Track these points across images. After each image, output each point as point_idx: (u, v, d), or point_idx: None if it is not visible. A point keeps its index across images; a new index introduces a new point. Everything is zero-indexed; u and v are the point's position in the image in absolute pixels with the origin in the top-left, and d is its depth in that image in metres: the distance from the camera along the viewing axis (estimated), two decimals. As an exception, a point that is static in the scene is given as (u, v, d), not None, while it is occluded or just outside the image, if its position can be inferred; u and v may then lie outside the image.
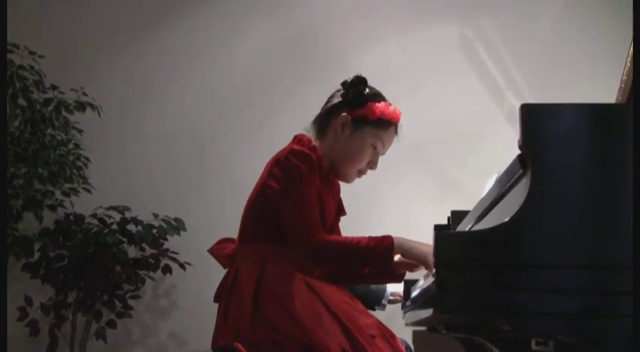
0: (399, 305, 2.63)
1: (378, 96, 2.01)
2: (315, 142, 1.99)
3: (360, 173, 2.05)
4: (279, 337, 1.76)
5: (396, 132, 2.03)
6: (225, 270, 2.00)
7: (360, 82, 2.01)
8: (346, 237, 1.87)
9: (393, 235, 1.85)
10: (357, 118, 1.98)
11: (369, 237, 1.83)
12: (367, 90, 2.01)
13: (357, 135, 1.98)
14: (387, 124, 1.99)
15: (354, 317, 1.82)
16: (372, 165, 2.04)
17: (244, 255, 1.93)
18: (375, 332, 1.81)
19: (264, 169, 1.96)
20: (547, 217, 1.36)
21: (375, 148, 2.01)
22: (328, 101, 2.06)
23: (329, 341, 1.74)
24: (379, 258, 1.82)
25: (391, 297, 2.70)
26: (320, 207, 1.92)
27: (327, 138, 2.01)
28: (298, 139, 1.99)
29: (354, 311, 1.85)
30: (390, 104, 2.01)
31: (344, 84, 2.03)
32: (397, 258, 2.04)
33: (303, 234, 1.84)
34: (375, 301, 2.68)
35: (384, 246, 1.82)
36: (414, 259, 1.86)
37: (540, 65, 3.69)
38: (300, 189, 1.86)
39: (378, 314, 2.17)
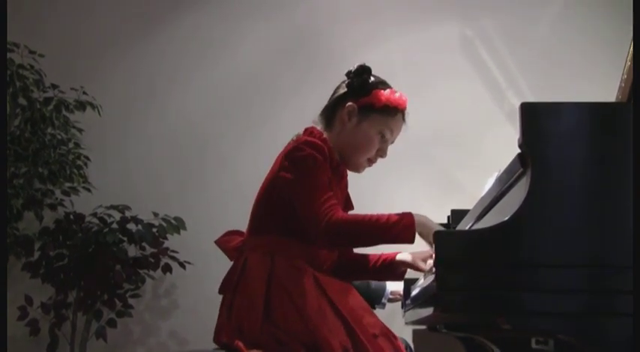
0: (399, 303, 2.63)
1: (383, 84, 2.01)
2: (324, 135, 1.98)
3: (370, 162, 2.03)
4: (282, 335, 1.76)
5: (403, 119, 2.02)
6: (229, 265, 1.98)
7: (364, 70, 2.00)
8: (365, 214, 1.82)
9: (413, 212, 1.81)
10: (364, 107, 1.97)
11: (389, 214, 1.79)
12: (372, 78, 2.00)
13: (364, 123, 1.97)
14: (394, 111, 1.98)
15: (359, 316, 1.81)
16: (382, 153, 2.02)
17: (253, 247, 1.91)
18: (378, 332, 1.81)
19: (275, 161, 1.94)
20: (547, 216, 1.36)
21: (383, 136, 1.99)
22: (334, 92, 2.05)
23: (331, 338, 1.73)
24: (400, 233, 1.77)
25: (391, 296, 2.70)
26: None
27: (334, 129, 2.00)
28: (309, 132, 1.97)
29: (359, 309, 1.84)
30: (396, 91, 2.00)
31: (348, 73, 2.02)
32: (398, 257, 2.04)
33: (319, 213, 1.78)
34: (375, 300, 2.68)
35: (404, 223, 1.77)
36: (429, 241, 1.79)
37: (540, 65, 3.69)
38: (312, 176, 1.84)
39: (378, 312, 2.17)
